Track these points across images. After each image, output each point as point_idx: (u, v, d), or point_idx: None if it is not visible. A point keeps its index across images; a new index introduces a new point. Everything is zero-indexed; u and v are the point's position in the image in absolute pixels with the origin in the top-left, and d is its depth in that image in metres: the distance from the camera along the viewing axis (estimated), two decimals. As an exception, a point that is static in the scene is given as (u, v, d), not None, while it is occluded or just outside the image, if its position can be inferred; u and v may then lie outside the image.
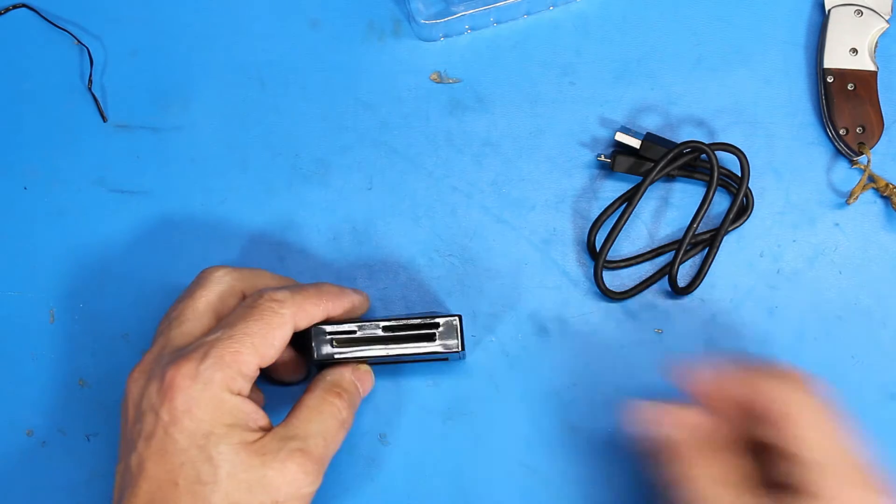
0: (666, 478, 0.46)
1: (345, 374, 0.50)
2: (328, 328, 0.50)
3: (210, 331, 0.47)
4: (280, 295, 0.47)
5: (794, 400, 0.44)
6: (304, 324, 0.48)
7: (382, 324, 0.50)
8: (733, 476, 0.44)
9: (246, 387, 0.45)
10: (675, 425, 0.46)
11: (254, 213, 0.57)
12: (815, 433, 0.43)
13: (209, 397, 0.44)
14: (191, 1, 0.59)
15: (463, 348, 0.50)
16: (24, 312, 0.56)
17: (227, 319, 0.47)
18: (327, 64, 0.58)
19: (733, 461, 0.45)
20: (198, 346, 0.45)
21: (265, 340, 0.45)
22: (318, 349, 0.50)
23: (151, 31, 0.59)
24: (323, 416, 0.47)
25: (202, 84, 0.58)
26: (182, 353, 0.45)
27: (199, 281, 0.49)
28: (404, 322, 0.50)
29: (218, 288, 0.48)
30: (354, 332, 0.50)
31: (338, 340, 0.50)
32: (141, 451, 0.44)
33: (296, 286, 0.49)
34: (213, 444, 0.44)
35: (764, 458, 0.45)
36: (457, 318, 0.50)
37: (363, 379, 0.51)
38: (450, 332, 0.50)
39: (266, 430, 0.46)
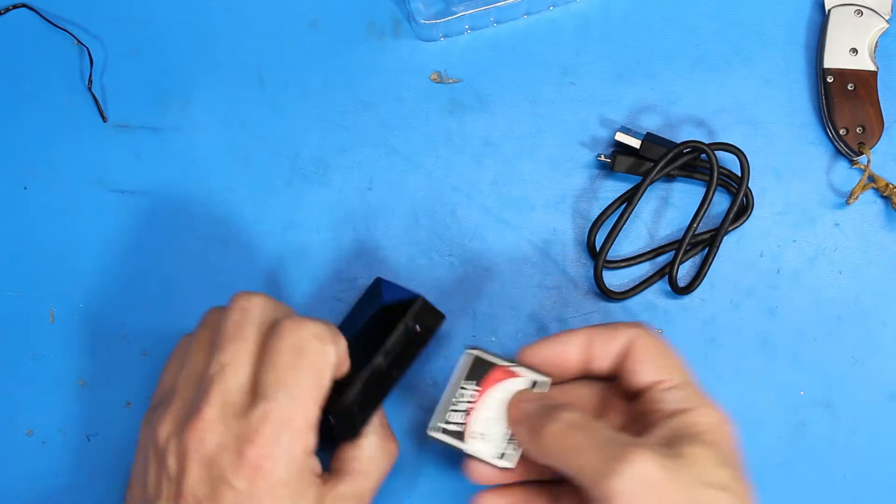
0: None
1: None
2: (349, 399, 0.48)
3: (264, 383, 0.44)
4: (320, 329, 0.45)
5: (640, 340, 0.47)
6: (343, 352, 0.46)
7: (376, 362, 0.48)
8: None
9: (314, 440, 0.44)
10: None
11: (254, 212, 0.57)
12: (668, 361, 0.46)
13: (293, 473, 0.43)
14: (191, 1, 0.59)
15: (443, 316, 0.50)
16: (24, 312, 0.56)
17: (275, 370, 0.44)
18: (327, 64, 0.58)
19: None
20: (265, 417, 0.43)
21: (322, 388, 0.45)
22: (354, 428, 0.48)
23: (151, 31, 0.59)
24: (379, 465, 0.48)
25: (202, 84, 0.58)
26: (251, 425, 0.43)
27: (244, 315, 0.46)
28: (387, 343, 0.49)
29: (264, 324, 0.46)
30: (365, 381, 0.48)
31: (359, 405, 0.48)
32: None
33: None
34: None
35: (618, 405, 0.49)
36: (421, 299, 0.49)
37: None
38: (426, 313, 0.49)
39: (318, 475, 0.45)
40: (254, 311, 0.46)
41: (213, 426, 0.43)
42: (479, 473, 0.49)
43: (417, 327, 0.49)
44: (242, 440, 0.43)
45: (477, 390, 0.48)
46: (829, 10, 0.57)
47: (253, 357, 0.45)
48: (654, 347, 0.47)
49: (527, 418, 0.46)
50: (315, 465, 0.45)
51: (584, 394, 0.50)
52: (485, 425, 0.48)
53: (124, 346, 0.56)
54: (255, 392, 0.44)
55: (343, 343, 0.46)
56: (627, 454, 0.41)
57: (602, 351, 0.47)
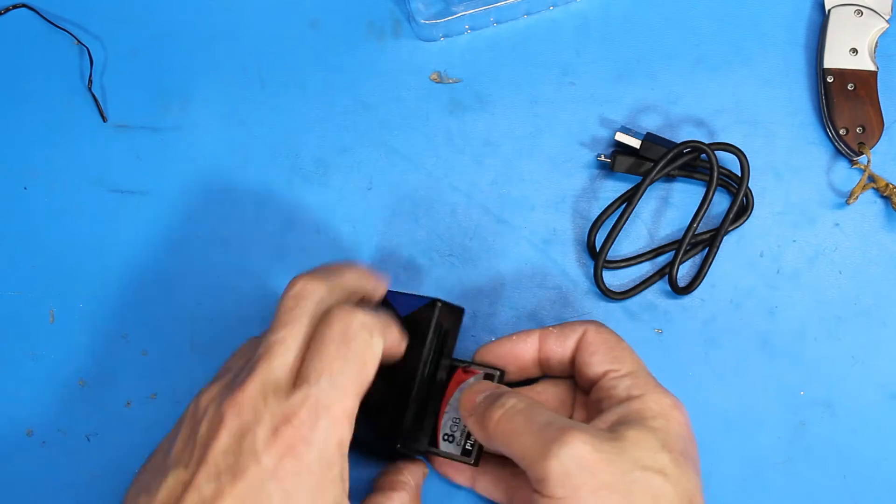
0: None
1: (417, 474, 0.51)
2: (408, 421, 0.49)
3: (308, 369, 0.44)
4: (369, 320, 0.45)
5: (590, 334, 0.49)
6: (393, 339, 0.47)
7: (420, 376, 0.49)
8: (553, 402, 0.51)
9: (350, 436, 0.45)
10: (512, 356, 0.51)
11: (254, 212, 0.57)
12: (619, 351, 0.48)
13: (323, 465, 0.43)
14: (191, 1, 0.59)
15: (462, 309, 0.52)
16: (24, 312, 0.56)
17: (322, 358, 0.44)
18: (327, 64, 0.58)
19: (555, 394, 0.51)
20: (306, 401, 0.43)
21: (364, 379, 0.45)
22: (419, 445, 0.50)
23: (151, 31, 0.59)
24: None
25: (202, 84, 0.58)
26: (292, 406, 0.43)
27: (298, 302, 0.46)
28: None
29: (318, 311, 0.46)
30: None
31: (417, 421, 0.49)
32: (224, 484, 0.42)
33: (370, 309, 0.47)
34: None
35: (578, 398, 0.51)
36: (439, 302, 0.50)
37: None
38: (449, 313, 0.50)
39: (345, 487, 0.45)
40: (307, 299, 0.46)
41: (253, 400, 0.43)
42: (449, 471, 0.52)
43: (444, 328, 0.50)
44: (280, 419, 0.43)
45: (442, 394, 0.50)
46: (829, 10, 0.57)
47: (301, 342, 0.45)
48: (603, 339, 0.48)
49: (475, 409, 0.47)
50: (345, 471, 0.45)
51: (551, 392, 0.51)
52: (451, 426, 0.50)
53: (124, 346, 0.56)
54: (299, 376, 0.45)
55: (395, 332, 0.47)
56: (562, 436, 0.42)
57: (556, 348, 0.49)
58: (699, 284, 0.55)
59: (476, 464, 0.49)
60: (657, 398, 0.46)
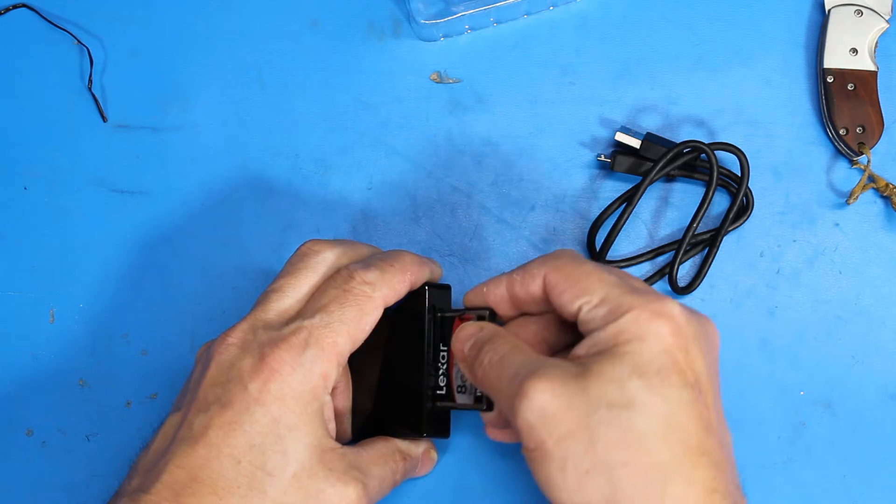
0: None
1: (417, 449, 0.50)
2: (427, 405, 0.49)
3: (304, 309, 0.46)
4: (371, 276, 0.46)
5: (550, 275, 0.45)
6: (391, 302, 0.47)
7: (427, 359, 0.49)
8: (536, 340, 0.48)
9: (335, 376, 0.45)
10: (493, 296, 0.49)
11: (254, 212, 0.57)
12: (583, 281, 0.44)
13: (305, 391, 0.44)
14: (191, 1, 0.59)
15: (449, 287, 0.51)
16: (24, 312, 0.56)
17: (320, 300, 0.46)
18: (327, 64, 0.58)
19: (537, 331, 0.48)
20: (297, 330, 0.44)
21: (359, 327, 0.46)
22: (445, 425, 0.50)
23: (151, 31, 0.59)
24: (385, 467, 0.47)
25: (202, 84, 0.58)
26: (281, 334, 0.44)
27: (302, 258, 0.48)
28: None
29: (322, 269, 0.48)
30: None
31: (436, 399, 0.49)
32: (213, 414, 0.43)
33: (383, 261, 0.48)
34: (294, 439, 0.43)
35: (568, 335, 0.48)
36: (424, 286, 0.49)
37: (426, 462, 0.51)
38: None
39: (330, 428, 0.46)
40: (313, 258, 0.48)
41: (243, 334, 0.45)
42: (492, 433, 0.49)
43: (437, 309, 0.50)
44: (268, 345, 0.44)
45: (447, 349, 0.49)
46: (829, 10, 0.57)
47: (301, 293, 0.47)
48: (565, 275, 0.45)
49: (465, 360, 0.46)
50: (329, 413, 0.45)
51: (537, 325, 0.49)
52: (461, 377, 0.49)
53: (124, 346, 0.56)
54: (295, 315, 0.46)
55: (399, 286, 0.47)
56: (522, 389, 0.41)
57: (524, 296, 0.47)
58: (699, 284, 0.55)
59: (490, 409, 0.48)
60: (634, 316, 0.41)
